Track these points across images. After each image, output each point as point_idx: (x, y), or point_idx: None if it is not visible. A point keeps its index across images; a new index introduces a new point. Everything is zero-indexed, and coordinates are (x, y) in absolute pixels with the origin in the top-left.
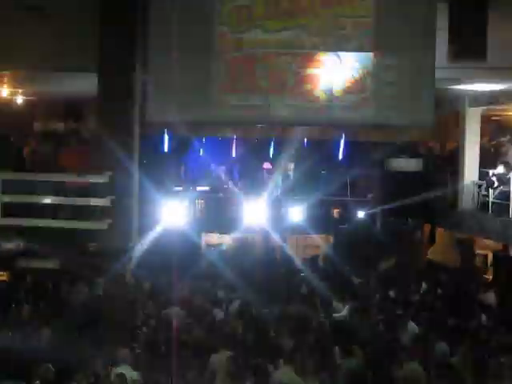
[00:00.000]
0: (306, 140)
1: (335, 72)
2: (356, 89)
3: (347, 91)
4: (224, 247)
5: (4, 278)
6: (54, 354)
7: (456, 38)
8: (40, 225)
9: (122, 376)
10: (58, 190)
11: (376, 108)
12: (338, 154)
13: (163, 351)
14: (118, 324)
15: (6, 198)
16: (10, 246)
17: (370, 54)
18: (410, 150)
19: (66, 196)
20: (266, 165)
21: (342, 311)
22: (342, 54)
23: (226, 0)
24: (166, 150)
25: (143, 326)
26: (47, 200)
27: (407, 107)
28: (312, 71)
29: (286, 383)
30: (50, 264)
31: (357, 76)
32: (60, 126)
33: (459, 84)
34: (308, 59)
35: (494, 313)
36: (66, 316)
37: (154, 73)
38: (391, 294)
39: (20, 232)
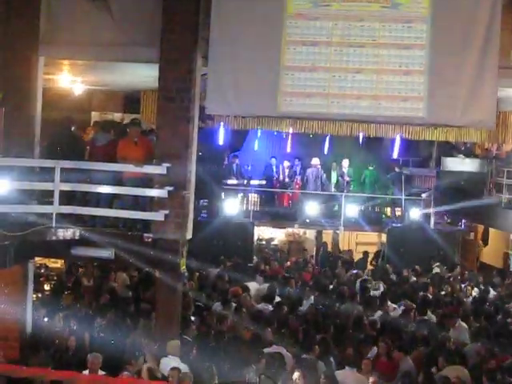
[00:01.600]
0: (361, 137)
1: (390, 82)
2: (415, 87)
3: (407, 89)
4: (276, 242)
5: (58, 265)
6: (107, 344)
7: None
8: (96, 214)
9: (176, 370)
10: (116, 179)
11: (436, 107)
12: (393, 151)
13: (214, 344)
14: (171, 315)
15: (64, 187)
16: (66, 234)
17: (430, 52)
18: (466, 151)
19: (123, 186)
20: (315, 160)
21: (397, 310)
22: (400, 50)
23: None
24: (221, 142)
25: (195, 317)
26: (104, 189)
27: (468, 108)
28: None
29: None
30: (105, 253)
31: (416, 73)
32: (118, 117)
33: None
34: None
35: None
36: (119, 306)
37: (214, 66)
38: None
39: (77, 220)
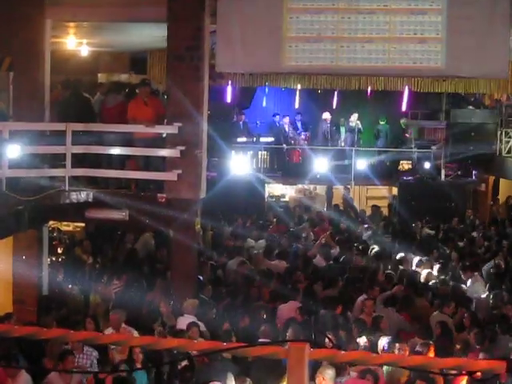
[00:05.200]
0: (369, 90)
1: (405, 23)
2: (427, 38)
3: (418, 41)
4: (287, 198)
5: (71, 228)
6: (124, 304)
7: None
8: (109, 175)
9: (196, 327)
10: (127, 140)
11: (448, 58)
12: (402, 104)
13: (230, 301)
14: (187, 275)
15: (76, 150)
16: (79, 196)
17: (443, 3)
18: (475, 102)
19: (134, 147)
20: (326, 115)
21: (412, 264)
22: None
23: None
24: (229, 100)
25: (209, 277)
26: (116, 151)
27: (480, 58)
28: (382, 19)
29: None
30: (119, 215)
31: (427, 25)
32: (125, 78)
33: None
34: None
35: None
36: (135, 267)
37: (223, 23)
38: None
39: (90, 182)
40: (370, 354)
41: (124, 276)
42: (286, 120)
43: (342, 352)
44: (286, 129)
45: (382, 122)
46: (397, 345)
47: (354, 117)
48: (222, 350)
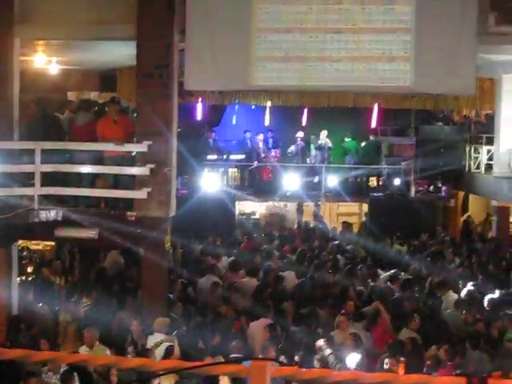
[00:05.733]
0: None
1: (373, 42)
2: (395, 57)
3: (386, 60)
4: (257, 215)
5: (40, 247)
6: (94, 322)
7: (497, 5)
8: (79, 194)
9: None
10: (96, 158)
11: (416, 76)
12: (371, 121)
13: (200, 319)
14: (157, 293)
15: (45, 168)
16: (49, 215)
17: (410, 21)
18: (444, 118)
19: (104, 165)
20: (299, 133)
21: (381, 279)
22: (381, 19)
23: None
24: (199, 118)
25: (180, 294)
26: (86, 169)
27: (448, 75)
28: (351, 38)
29: None
30: (89, 233)
31: (396, 44)
32: (95, 96)
33: (500, 51)
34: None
35: None
36: (105, 285)
37: (192, 41)
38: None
39: (59, 201)
40: (331, 372)
41: (93, 293)
42: (260, 137)
43: (303, 370)
44: (260, 145)
45: (347, 139)
46: (386, 360)
47: (324, 134)
48: (185, 369)
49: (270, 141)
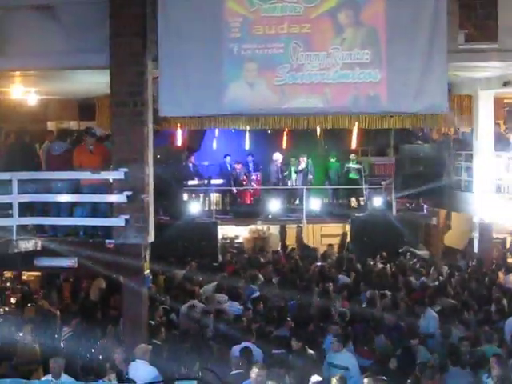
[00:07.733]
0: (318, 130)
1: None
2: (368, 77)
3: (359, 81)
4: (241, 239)
5: (24, 277)
6: (76, 350)
7: (467, 22)
8: (57, 223)
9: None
10: (74, 187)
11: (389, 96)
12: (351, 142)
13: (183, 345)
14: (138, 320)
15: (23, 198)
16: (28, 245)
17: (381, 41)
18: (423, 136)
19: (81, 193)
20: (276, 155)
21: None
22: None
23: None
24: (179, 144)
25: (163, 320)
26: (63, 198)
27: (420, 94)
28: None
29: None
30: (69, 262)
31: (368, 64)
32: (74, 125)
33: (472, 68)
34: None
35: None
36: (86, 313)
37: (164, 68)
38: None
39: (38, 230)
40: None
41: (73, 322)
42: (239, 166)
43: None
44: (238, 172)
45: (332, 160)
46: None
47: (304, 160)
48: None
49: (250, 165)
